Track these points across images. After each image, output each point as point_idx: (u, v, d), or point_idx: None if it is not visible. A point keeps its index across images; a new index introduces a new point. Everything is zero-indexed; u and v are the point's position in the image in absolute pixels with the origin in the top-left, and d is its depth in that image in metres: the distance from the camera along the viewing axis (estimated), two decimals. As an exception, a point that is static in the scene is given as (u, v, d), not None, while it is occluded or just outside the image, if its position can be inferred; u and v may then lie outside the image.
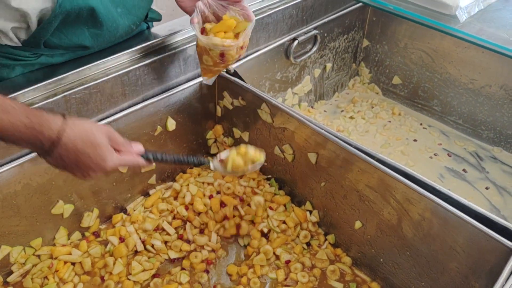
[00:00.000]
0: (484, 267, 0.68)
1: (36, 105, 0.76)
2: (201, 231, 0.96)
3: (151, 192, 1.02)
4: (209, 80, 0.93)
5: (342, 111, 1.35)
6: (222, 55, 0.83)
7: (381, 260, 0.85)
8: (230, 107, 1.02)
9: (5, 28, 0.74)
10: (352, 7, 1.29)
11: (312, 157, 0.89)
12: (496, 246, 0.65)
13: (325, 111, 1.36)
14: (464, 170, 1.14)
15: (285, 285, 0.87)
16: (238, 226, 0.95)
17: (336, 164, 0.85)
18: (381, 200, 0.80)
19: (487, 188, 1.09)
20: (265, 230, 0.94)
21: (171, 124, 0.97)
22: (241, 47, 0.84)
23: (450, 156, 1.18)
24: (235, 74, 0.99)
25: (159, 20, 1.00)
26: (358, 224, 0.86)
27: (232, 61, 0.86)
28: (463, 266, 0.71)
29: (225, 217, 0.96)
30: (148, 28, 0.99)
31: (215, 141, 1.11)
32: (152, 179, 1.01)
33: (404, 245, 0.80)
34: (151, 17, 0.96)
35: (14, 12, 0.72)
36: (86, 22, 0.78)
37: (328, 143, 0.84)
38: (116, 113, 0.86)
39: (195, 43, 0.91)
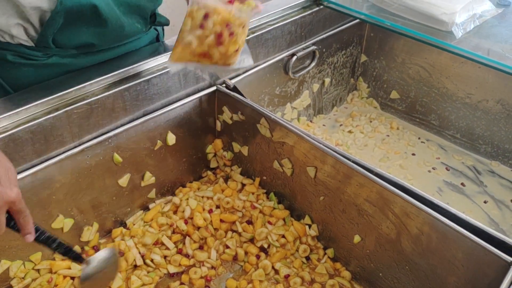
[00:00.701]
0: (483, 281, 0.69)
1: (38, 120, 0.76)
2: (201, 247, 0.96)
3: (150, 206, 1.03)
4: (174, 64, 0.76)
5: (341, 125, 1.36)
6: (202, 26, 0.71)
7: (380, 274, 0.85)
8: (230, 121, 1.03)
9: (8, 24, 0.77)
10: (350, 23, 1.31)
11: (311, 171, 0.90)
12: (494, 260, 0.66)
13: (324, 125, 1.37)
14: (462, 184, 1.14)
15: (285, 300, 0.87)
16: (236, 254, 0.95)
17: (335, 179, 0.86)
18: (380, 214, 0.80)
19: (485, 202, 1.09)
20: (265, 245, 0.95)
21: (171, 139, 0.98)
22: (232, 34, 0.72)
23: (448, 170, 1.19)
24: (235, 89, 1.01)
25: (167, 25, 1.01)
26: (357, 238, 0.87)
27: (215, 50, 0.72)
28: (462, 280, 0.71)
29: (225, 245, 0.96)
30: (158, 38, 1.01)
31: (215, 155, 1.12)
32: (152, 193, 1.02)
33: (403, 259, 0.80)
34: (158, 21, 0.97)
35: (12, 6, 0.75)
36: (90, 20, 0.80)
37: (327, 157, 0.85)
38: (117, 127, 0.87)
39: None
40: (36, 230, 0.70)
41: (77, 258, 0.77)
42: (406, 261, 0.79)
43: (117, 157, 0.89)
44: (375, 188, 0.79)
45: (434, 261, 0.75)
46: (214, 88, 1.01)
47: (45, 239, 0.71)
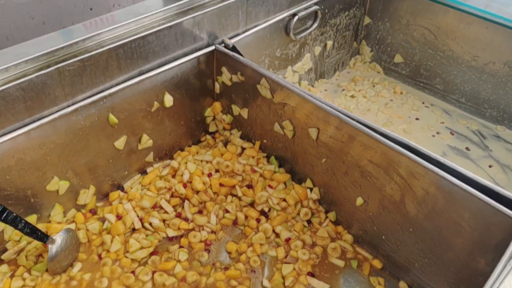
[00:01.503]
0: (490, 242, 0.67)
1: (29, 77, 0.73)
2: (200, 211, 0.94)
3: (148, 170, 1.00)
4: None
5: (343, 90, 1.32)
6: None
7: (383, 237, 0.84)
8: (229, 83, 0.99)
9: None
10: (353, -17, 1.26)
11: (313, 132, 0.87)
12: (503, 220, 0.64)
13: (325, 90, 1.33)
14: (467, 148, 1.12)
15: (285, 262, 0.86)
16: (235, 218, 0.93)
17: (338, 140, 0.83)
18: (384, 175, 0.78)
19: (490, 166, 1.07)
20: (265, 209, 0.93)
21: (169, 100, 0.95)
22: None
23: (453, 134, 1.16)
24: (234, 49, 0.97)
25: None
26: (359, 201, 0.85)
27: None
28: (469, 241, 0.70)
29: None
30: None
31: (214, 118, 1.09)
32: (150, 157, 0.99)
33: (407, 221, 0.78)
34: None
35: None
36: None
37: (330, 118, 0.82)
38: (111, 87, 0.84)
39: (191, 15, 0.89)
40: (3, 211, 0.71)
41: (43, 238, 0.79)
42: (410, 223, 0.78)
43: (113, 118, 0.86)
44: (379, 148, 0.76)
45: (439, 222, 0.73)
46: (212, 47, 0.97)
47: (11, 220, 0.73)
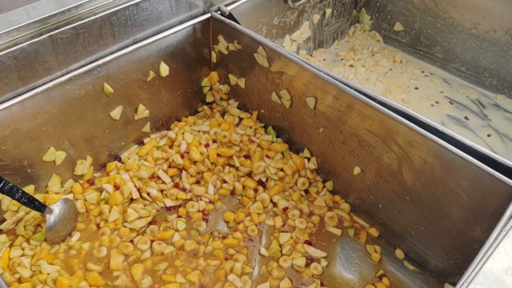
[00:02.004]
0: (487, 210, 0.67)
1: (21, 45, 0.71)
2: (198, 182, 0.94)
3: (145, 140, 1.00)
4: None
5: (342, 59, 1.31)
6: None
7: (380, 206, 0.84)
8: (226, 52, 0.98)
9: None
10: None
11: (311, 102, 0.86)
12: (501, 187, 0.63)
13: (324, 59, 1.31)
14: (466, 117, 1.11)
15: (283, 231, 0.86)
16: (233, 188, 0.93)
17: (336, 109, 0.82)
18: (382, 144, 0.78)
19: (489, 136, 1.07)
20: (263, 179, 0.93)
21: (164, 70, 0.93)
22: None
23: (452, 104, 1.15)
24: (230, 16, 0.95)
25: None
26: (357, 170, 0.85)
27: None
28: (465, 209, 0.70)
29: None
30: None
31: (211, 89, 1.07)
32: (146, 127, 0.99)
33: (404, 190, 0.78)
34: None
35: None
36: None
37: (328, 86, 0.81)
38: (106, 55, 0.82)
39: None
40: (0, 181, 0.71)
41: (40, 208, 0.79)
42: (407, 192, 0.78)
43: (108, 88, 0.85)
44: (378, 117, 0.76)
45: (437, 191, 0.73)
46: (208, 15, 0.95)
47: (8, 190, 0.73)
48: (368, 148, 0.80)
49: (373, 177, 0.83)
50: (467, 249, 0.73)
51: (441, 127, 0.70)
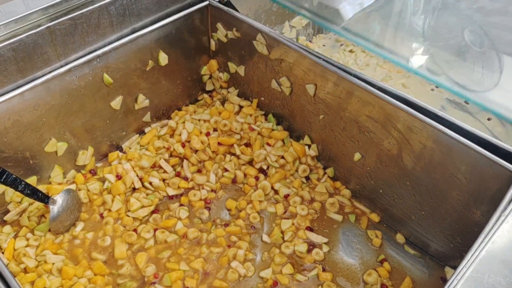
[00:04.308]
0: (486, 193, 0.67)
1: (20, 37, 0.71)
2: (199, 170, 0.95)
3: (146, 130, 1.00)
4: None
5: (341, 44, 1.30)
6: None
7: (381, 191, 0.85)
8: (225, 39, 0.98)
9: None
10: None
11: (311, 89, 0.86)
12: (500, 171, 0.64)
13: (324, 45, 1.31)
14: (465, 101, 1.11)
15: (284, 218, 0.87)
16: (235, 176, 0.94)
17: (336, 96, 0.83)
18: (382, 130, 0.78)
19: (489, 119, 1.06)
20: (264, 167, 0.93)
21: (163, 59, 0.93)
22: None
23: (453, 87, 1.15)
24: (228, 3, 0.94)
25: None
26: (357, 156, 0.85)
27: None
28: (465, 193, 0.70)
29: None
30: None
31: (210, 77, 1.07)
32: (147, 117, 0.99)
33: (404, 175, 0.78)
34: None
35: None
36: None
37: (327, 73, 0.81)
38: (104, 46, 0.82)
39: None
40: (2, 172, 0.72)
41: (44, 199, 0.80)
42: (407, 177, 0.78)
43: (107, 78, 0.85)
44: (377, 103, 0.76)
45: (436, 175, 0.73)
46: (206, 2, 0.95)
47: (11, 182, 0.73)
48: (368, 134, 0.81)
49: (373, 163, 0.83)
50: (467, 233, 0.73)
51: (440, 113, 0.70)
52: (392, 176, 0.81)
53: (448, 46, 1.25)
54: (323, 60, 0.81)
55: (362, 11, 1.09)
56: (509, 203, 0.60)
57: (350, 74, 0.78)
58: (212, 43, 1.01)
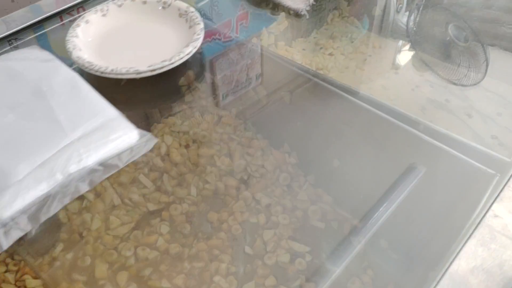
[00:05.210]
0: (465, 196, 0.67)
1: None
2: (180, 183, 0.94)
3: (125, 145, 0.99)
4: None
5: (321, 48, 1.29)
6: None
7: (362, 197, 0.84)
8: (201, 49, 0.97)
9: None
10: None
11: (287, 96, 0.86)
12: (478, 173, 0.63)
13: (304, 49, 1.30)
14: (446, 100, 1.11)
15: (267, 228, 0.86)
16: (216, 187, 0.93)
17: (312, 102, 0.82)
18: (359, 136, 0.77)
19: (470, 117, 1.06)
20: (245, 177, 0.92)
21: (138, 73, 0.92)
22: None
23: (433, 87, 1.15)
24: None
25: None
26: (337, 163, 0.84)
27: None
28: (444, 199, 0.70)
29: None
30: None
31: (189, 87, 1.06)
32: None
33: (384, 180, 0.78)
34: None
35: None
36: None
37: (301, 80, 0.81)
38: (75, 64, 0.81)
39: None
40: None
41: None
42: (387, 182, 0.78)
43: (80, 96, 0.84)
44: (355, 110, 0.75)
45: (414, 180, 0.73)
46: (179, 14, 0.93)
47: None
48: (346, 140, 0.80)
49: (353, 169, 0.82)
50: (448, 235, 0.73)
51: (418, 119, 0.70)
52: (372, 181, 0.80)
53: (433, 42, 1.25)
54: (297, 67, 0.81)
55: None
56: (475, 220, 0.59)
57: (325, 80, 0.78)
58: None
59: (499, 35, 1.30)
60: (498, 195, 0.59)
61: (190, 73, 1.03)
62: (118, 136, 0.77)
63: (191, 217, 0.90)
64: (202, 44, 0.94)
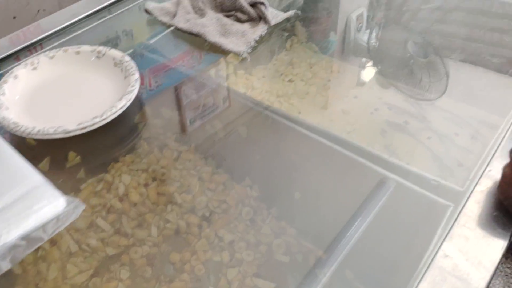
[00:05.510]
0: (420, 229, 0.67)
1: None
2: (140, 224, 0.91)
3: (81, 187, 0.96)
4: None
5: (281, 74, 1.30)
6: None
7: (325, 228, 0.83)
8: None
9: None
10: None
11: (244, 131, 0.85)
12: (432, 205, 0.63)
13: (264, 76, 1.30)
14: (405, 122, 1.12)
15: (230, 267, 0.84)
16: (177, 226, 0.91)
17: (270, 136, 0.81)
18: (317, 168, 0.77)
19: (429, 138, 1.07)
20: (207, 214, 0.90)
21: (91, 113, 0.90)
22: None
23: (391, 109, 1.16)
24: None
25: None
26: (298, 195, 0.83)
27: None
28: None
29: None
30: None
31: (146, 123, 1.04)
32: (81, 173, 0.95)
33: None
34: None
35: None
36: None
37: (257, 114, 0.80)
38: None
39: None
40: None
41: None
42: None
43: (30, 140, 0.81)
44: (311, 143, 0.75)
45: (373, 210, 0.72)
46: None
47: None
48: (305, 171, 0.79)
49: (314, 200, 0.82)
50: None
51: (374, 151, 0.70)
52: (333, 212, 0.79)
53: (394, 59, 1.27)
54: (251, 102, 0.80)
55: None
56: (444, 238, 0.59)
57: (277, 113, 0.77)
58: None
59: (457, 48, 1.33)
60: (450, 231, 0.59)
61: (146, 109, 1.01)
62: (43, 206, 0.74)
63: (152, 260, 0.87)
64: (159, 76, 0.93)
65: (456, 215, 0.60)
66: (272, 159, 0.83)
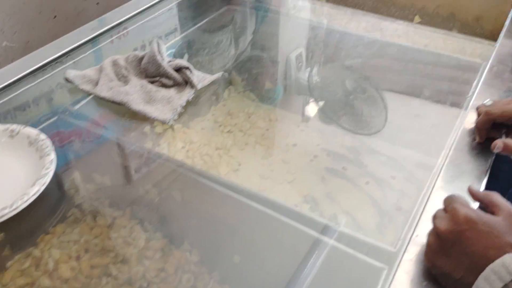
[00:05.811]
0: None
1: None
2: (72, 300, 0.85)
3: (8, 264, 0.89)
4: None
5: (220, 125, 1.29)
6: None
7: (268, 290, 0.81)
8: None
9: None
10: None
11: (177, 195, 0.82)
12: (367, 268, 0.63)
13: (202, 128, 1.28)
14: (343, 167, 1.13)
15: None
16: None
17: (201, 199, 0.79)
18: (256, 231, 0.75)
19: (367, 183, 1.09)
20: (144, 285, 0.86)
21: (13, 187, 0.84)
22: None
23: (330, 156, 1.17)
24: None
25: None
26: (237, 258, 0.81)
27: None
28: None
29: None
30: None
31: (77, 190, 0.99)
32: (6, 250, 0.88)
33: (285, 273, 0.75)
34: None
35: None
36: None
37: (185, 177, 0.78)
38: None
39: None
40: None
41: None
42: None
43: None
44: (243, 208, 0.73)
45: (313, 272, 0.71)
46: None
47: None
48: (243, 235, 0.77)
49: (253, 263, 0.79)
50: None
51: (303, 211, 0.69)
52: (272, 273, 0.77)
53: (335, 96, 1.30)
54: (180, 166, 0.78)
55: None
56: None
57: (205, 175, 0.76)
58: (71, 156, 0.94)
59: (393, 81, 1.38)
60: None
61: (77, 174, 0.96)
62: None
63: None
64: (86, 141, 0.89)
65: (391, 275, 0.60)
66: (208, 222, 0.81)
